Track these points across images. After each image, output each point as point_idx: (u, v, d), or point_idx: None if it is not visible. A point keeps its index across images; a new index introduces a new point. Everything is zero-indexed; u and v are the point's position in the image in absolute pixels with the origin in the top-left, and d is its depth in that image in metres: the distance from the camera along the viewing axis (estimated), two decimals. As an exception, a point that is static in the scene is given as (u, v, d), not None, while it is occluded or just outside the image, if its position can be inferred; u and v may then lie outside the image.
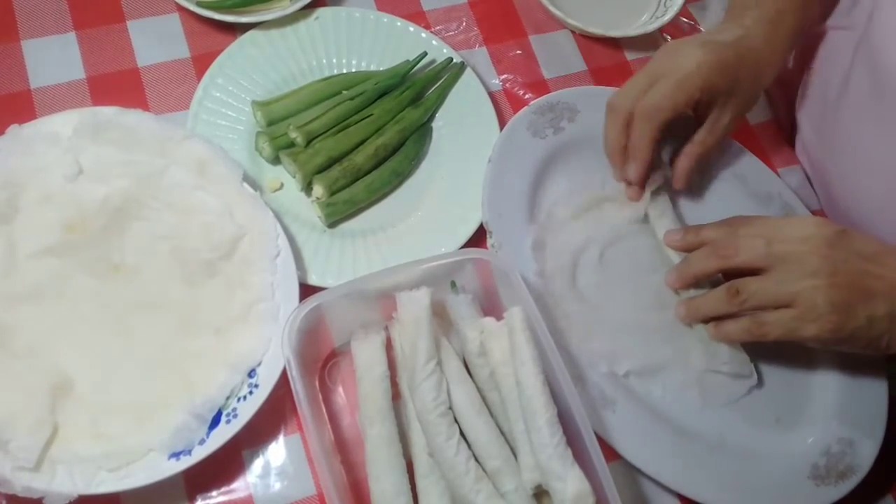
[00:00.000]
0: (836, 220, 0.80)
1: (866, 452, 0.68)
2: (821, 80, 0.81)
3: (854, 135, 0.73)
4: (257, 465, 0.64)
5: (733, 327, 0.65)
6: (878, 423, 0.69)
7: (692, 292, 0.69)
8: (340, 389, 0.66)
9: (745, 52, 0.70)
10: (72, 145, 0.66)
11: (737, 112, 0.73)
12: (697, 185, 0.78)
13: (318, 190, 0.72)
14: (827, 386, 0.71)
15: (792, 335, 0.62)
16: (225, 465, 0.63)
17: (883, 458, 0.68)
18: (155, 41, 0.77)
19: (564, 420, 0.58)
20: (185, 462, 0.59)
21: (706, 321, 0.67)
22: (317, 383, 0.66)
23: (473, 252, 0.66)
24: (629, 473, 0.66)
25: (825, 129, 0.78)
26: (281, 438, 0.65)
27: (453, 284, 0.65)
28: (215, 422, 0.61)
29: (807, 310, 0.60)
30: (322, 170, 0.73)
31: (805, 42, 0.86)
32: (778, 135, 0.86)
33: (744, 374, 0.69)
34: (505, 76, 0.83)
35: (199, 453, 0.59)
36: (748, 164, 0.80)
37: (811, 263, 0.60)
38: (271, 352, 0.63)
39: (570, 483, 0.56)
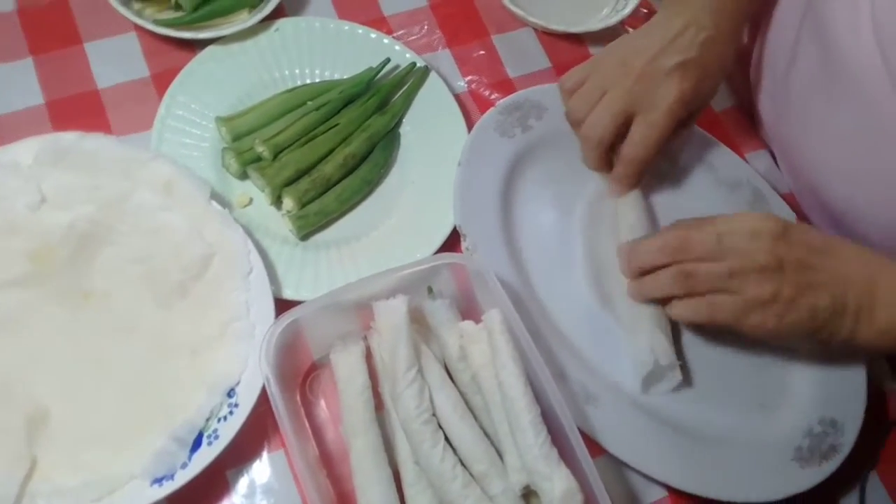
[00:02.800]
0: (801, 190, 0.81)
1: (848, 431, 0.69)
2: (771, 49, 0.81)
3: (805, 103, 0.74)
4: (242, 485, 0.63)
5: (682, 308, 0.65)
6: (857, 401, 0.70)
7: None
8: (322, 402, 0.66)
9: (710, 61, 0.70)
10: (33, 174, 0.65)
11: (698, 114, 0.74)
12: (667, 175, 0.79)
13: (288, 203, 0.71)
14: (807, 368, 0.72)
15: (737, 322, 0.63)
16: (209, 486, 0.62)
17: (865, 436, 0.69)
18: (113, 62, 0.76)
19: (548, 418, 0.58)
20: (168, 487, 0.58)
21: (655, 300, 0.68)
22: (298, 398, 0.66)
23: (448, 257, 0.65)
24: (616, 467, 0.66)
25: (778, 97, 0.79)
26: (265, 456, 0.64)
27: (430, 290, 0.65)
28: (196, 444, 0.60)
29: (752, 300, 0.61)
30: (291, 182, 0.72)
31: (756, 11, 0.87)
32: (743, 121, 0.87)
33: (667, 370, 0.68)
34: (470, 77, 0.83)
35: (182, 477, 0.58)
36: (716, 153, 0.81)
37: (759, 258, 0.61)
38: (249, 370, 0.62)
39: (557, 482, 0.56)
